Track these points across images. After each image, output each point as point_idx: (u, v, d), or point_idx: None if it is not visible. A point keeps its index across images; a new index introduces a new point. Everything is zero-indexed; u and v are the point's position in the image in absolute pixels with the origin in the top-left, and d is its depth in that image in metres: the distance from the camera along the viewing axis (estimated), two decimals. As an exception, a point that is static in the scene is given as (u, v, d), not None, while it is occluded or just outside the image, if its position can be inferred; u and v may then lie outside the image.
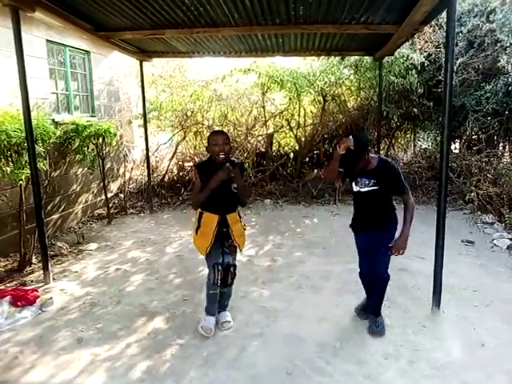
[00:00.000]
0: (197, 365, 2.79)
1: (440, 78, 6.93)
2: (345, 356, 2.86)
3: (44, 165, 4.69)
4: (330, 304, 3.63)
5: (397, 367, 2.71)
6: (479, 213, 6.15)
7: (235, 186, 2.99)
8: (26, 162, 4.16)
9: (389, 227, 3.04)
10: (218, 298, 3.21)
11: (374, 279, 3.12)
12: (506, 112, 6.95)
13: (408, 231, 2.90)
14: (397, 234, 2.99)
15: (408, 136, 9.03)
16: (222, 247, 3.09)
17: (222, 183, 2.92)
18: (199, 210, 3.09)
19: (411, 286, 3.89)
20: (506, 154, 7.30)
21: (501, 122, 7.12)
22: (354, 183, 3.03)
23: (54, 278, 4.14)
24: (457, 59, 6.90)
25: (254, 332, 3.15)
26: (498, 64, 6.68)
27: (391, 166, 2.94)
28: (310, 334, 3.13)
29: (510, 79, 6.43)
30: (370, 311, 3.20)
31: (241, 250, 3.21)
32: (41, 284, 4.04)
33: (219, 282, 3.03)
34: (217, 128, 8.08)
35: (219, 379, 2.65)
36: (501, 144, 7.67)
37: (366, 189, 2.95)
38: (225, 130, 8.10)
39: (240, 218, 3.18)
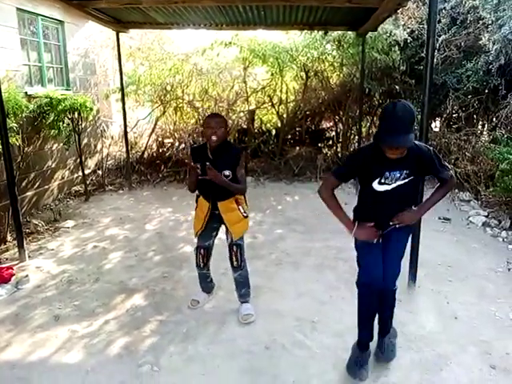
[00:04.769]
0: (176, 340, 2.80)
1: (422, 55, 6.88)
2: (323, 330, 2.91)
3: (17, 140, 4.53)
4: (310, 280, 3.67)
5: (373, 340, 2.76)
6: (456, 190, 6.26)
7: (226, 173, 2.80)
8: (-4, 136, 4.00)
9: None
10: (209, 277, 3.24)
11: (385, 293, 2.44)
12: (486, 91, 7.00)
13: (425, 211, 2.42)
14: None
15: (390, 114, 9.04)
16: (226, 228, 2.98)
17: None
18: (197, 191, 2.99)
19: (389, 261, 3.95)
20: (484, 133, 7.39)
21: (480, 101, 7.17)
22: (377, 182, 2.28)
23: (29, 256, 4.06)
24: (439, 36, 6.86)
25: (234, 308, 3.16)
26: (480, 42, 6.68)
27: (426, 150, 2.32)
28: (290, 309, 3.17)
29: (490, 57, 6.44)
30: (380, 333, 2.60)
31: (233, 239, 2.95)
32: (16, 262, 3.95)
33: (202, 264, 3.08)
34: (197, 103, 7.94)
35: (199, 354, 2.67)
36: (480, 122, 7.76)
37: (395, 184, 2.27)
38: (205, 105, 7.96)
39: (238, 204, 2.92)
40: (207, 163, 2.72)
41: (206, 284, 3.26)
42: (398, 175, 2.25)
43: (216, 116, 2.96)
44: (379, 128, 2.21)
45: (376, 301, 2.41)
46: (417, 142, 2.34)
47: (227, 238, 3.02)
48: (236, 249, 2.97)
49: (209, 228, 2.98)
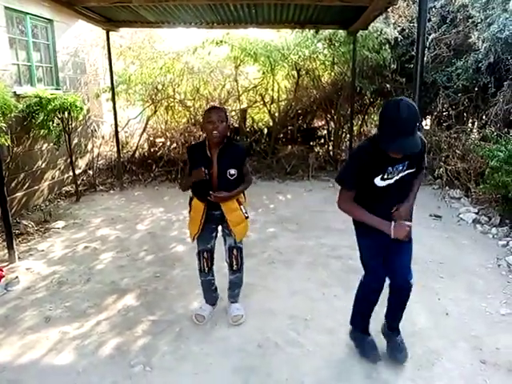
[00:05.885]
0: (169, 340, 2.79)
1: (413, 53, 6.92)
2: (316, 327, 2.92)
3: (6, 140, 4.47)
4: (302, 278, 3.68)
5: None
6: (447, 188, 6.31)
7: (232, 172, 2.70)
8: (-15, 136, 3.96)
9: None
10: (214, 285, 3.06)
11: (400, 288, 2.45)
12: (476, 89, 7.07)
13: (414, 200, 2.38)
14: None
15: (381, 112, 9.08)
16: (224, 230, 2.88)
17: (217, 169, 2.68)
18: (190, 192, 2.84)
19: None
20: (474, 131, 7.46)
21: (470, 99, 7.24)
22: (379, 178, 2.21)
23: (19, 257, 4.02)
24: (429, 34, 6.91)
25: (227, 306, 3.16)
26: (469, 40, 6.74)
27: (423, 142, 2.21)
28: (283, 308, 3.17)
29: (479, 56, 6.50)
30: (390, 328, 2.64)
31: (237, 242, 2.87)
32: (5, 263, 3.90)
33: (206, 268, 2.91)
34: (189, 102, 7.90)
35: (192, 353, 2.66)
36: (470, 120, 7.83)
37: (398, 176, 2.24)
38: (197, 104, 7.93)
39: (240, 204, 2.84)
40: (211, 194, 2.64)
41: (211, 294, 3.07)
42: (401, 167, 2.22)
43: (217, 109, 2.77)
44: (383, 132, 2.08)
45: (378, 296, 2.50)
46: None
47: (225, 241, 2.91)
48: (237, 252, 2.88)
49: (207, 230, 2.83)
